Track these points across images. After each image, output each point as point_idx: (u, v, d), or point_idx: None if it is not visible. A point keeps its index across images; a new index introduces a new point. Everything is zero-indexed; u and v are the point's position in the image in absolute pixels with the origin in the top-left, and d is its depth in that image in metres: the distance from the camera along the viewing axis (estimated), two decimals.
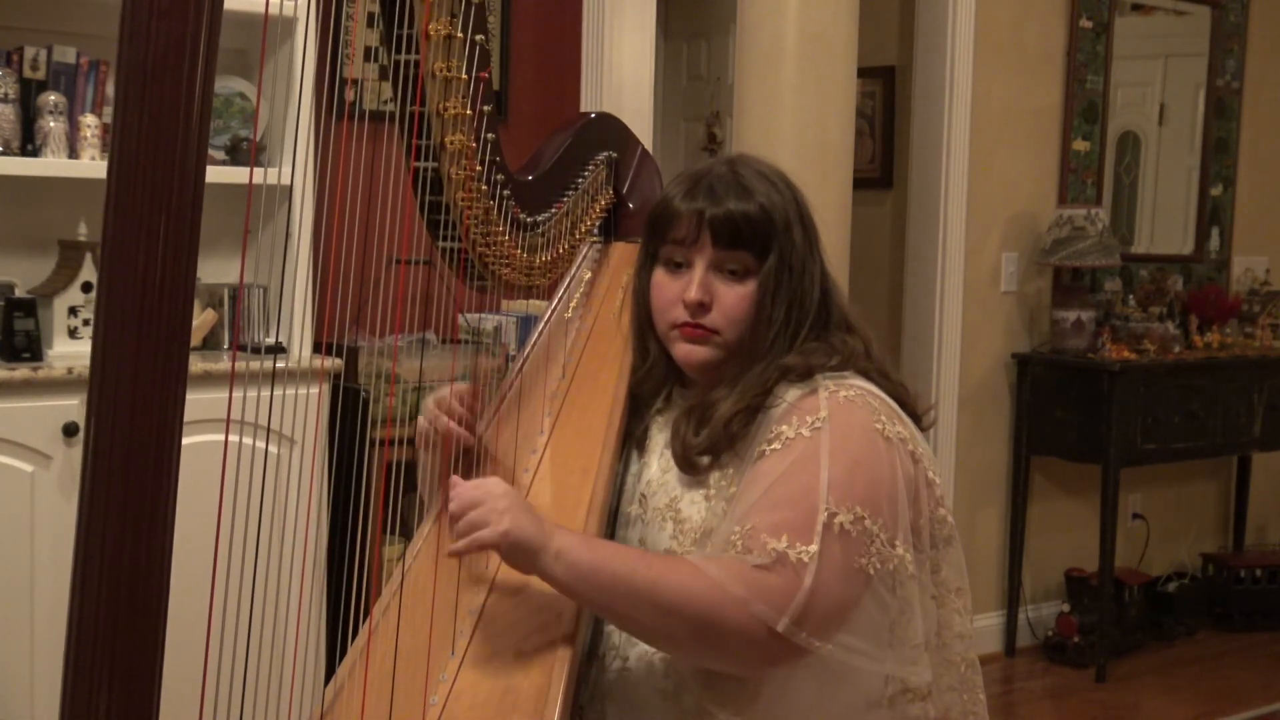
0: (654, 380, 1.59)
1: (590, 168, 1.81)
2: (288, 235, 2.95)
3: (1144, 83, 4.85)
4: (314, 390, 2.93)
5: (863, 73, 3.82)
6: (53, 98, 2.86)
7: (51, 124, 2.85)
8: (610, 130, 1.88)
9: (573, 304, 1.85)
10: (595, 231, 1.91)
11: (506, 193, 1.59)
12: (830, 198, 3.24)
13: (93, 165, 2.86)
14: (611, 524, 1.56)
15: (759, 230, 1.47)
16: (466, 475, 1.47)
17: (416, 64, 1.42)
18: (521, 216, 1.64)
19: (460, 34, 1.43)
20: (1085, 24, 4.51)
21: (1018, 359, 4.46)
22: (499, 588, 1.43)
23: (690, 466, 1.49)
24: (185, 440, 1.03)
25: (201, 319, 3.01)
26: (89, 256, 2.85)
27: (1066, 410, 4.30)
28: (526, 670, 1.35)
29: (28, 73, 2.89)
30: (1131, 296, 4.64)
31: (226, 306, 3.08)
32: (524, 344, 1.89)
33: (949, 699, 1.49)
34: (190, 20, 0.96)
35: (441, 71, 1.43)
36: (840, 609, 1.35)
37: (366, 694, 1.36)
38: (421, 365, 3.07)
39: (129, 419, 0.97)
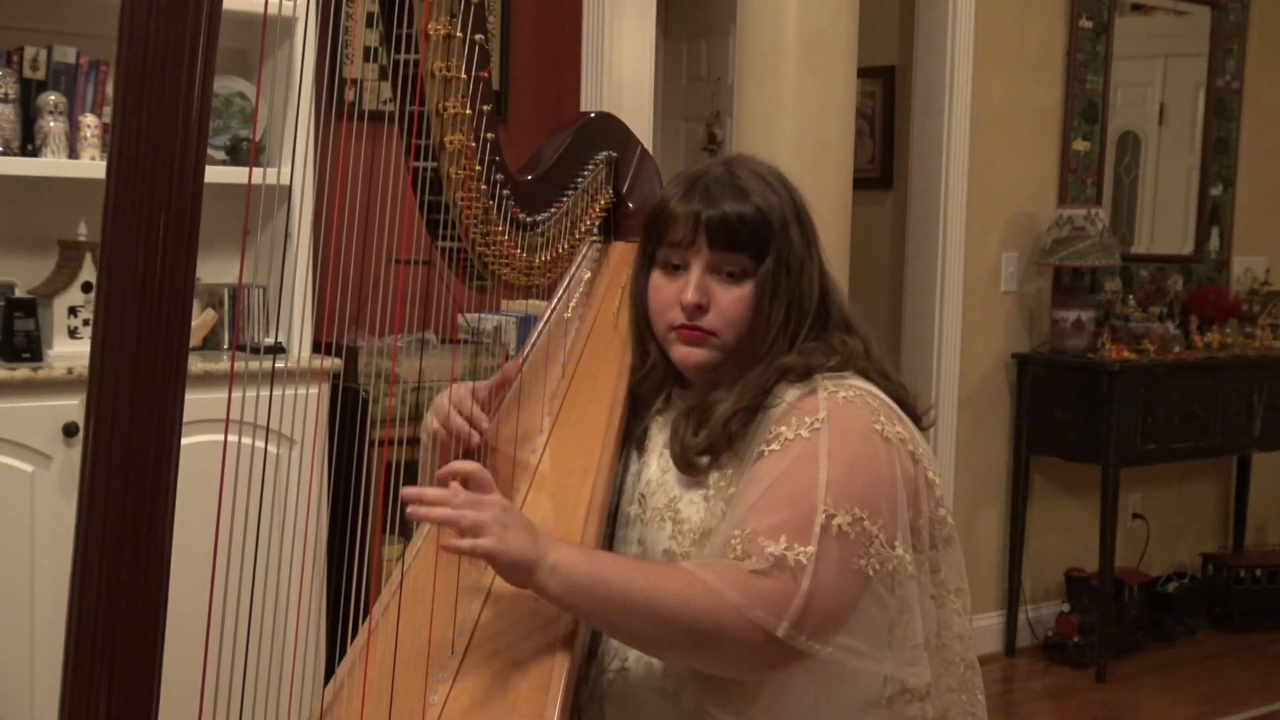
0: (653, 382, 1.59)
1: (590, 167, 1.81)
2: (287, 235, 2.95)
3: (1144, 83, 4.85)
4: (314, 390, 2.93)
5: (863, 73, 3.82)
6: (53, 98, 2.86)
7: (51, 124, 2.85)
8: (610, 130, 1.88)
9: (572, 304, 1.85)
10: (595, 231, 1.91)
11: (506, 192, 1.59)
12: (830, 198, 3.24)
13: (93, 165, 2.86)
14: (611, 524, 1.56)
15: (755, 232, 1.47)
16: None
17: (416, 64, 1.42)
18: (521, 216, 1.64)
19: (460, 33, 1.43)
20: (1085, 24, 4.51)
21: (1018, 359, 4.46)
22: (499, 588, 1.43)
23: (689, 467, 1.48)
24: (185, 440, 1.03)
25: (201, 319, 3.01)
26: (89, 256, 2.85)
27: (1066, 410, 4.30)
28: (526, 670, 1.35)
29: (28, 73, 2.89)
30: (1131, 296, 4.65)
31: (226, 306, 3.08)
32: (524, 344, 1.88)
33: (948, 699, 1.49)
34: (190, 20, 0.96)
35: (441, 71, 1.43)
36: (839, 611, 1.34)
37: (366, 694, 1.35)
38: (421, 365, 3.07)
39: (128, 419, 0.97)
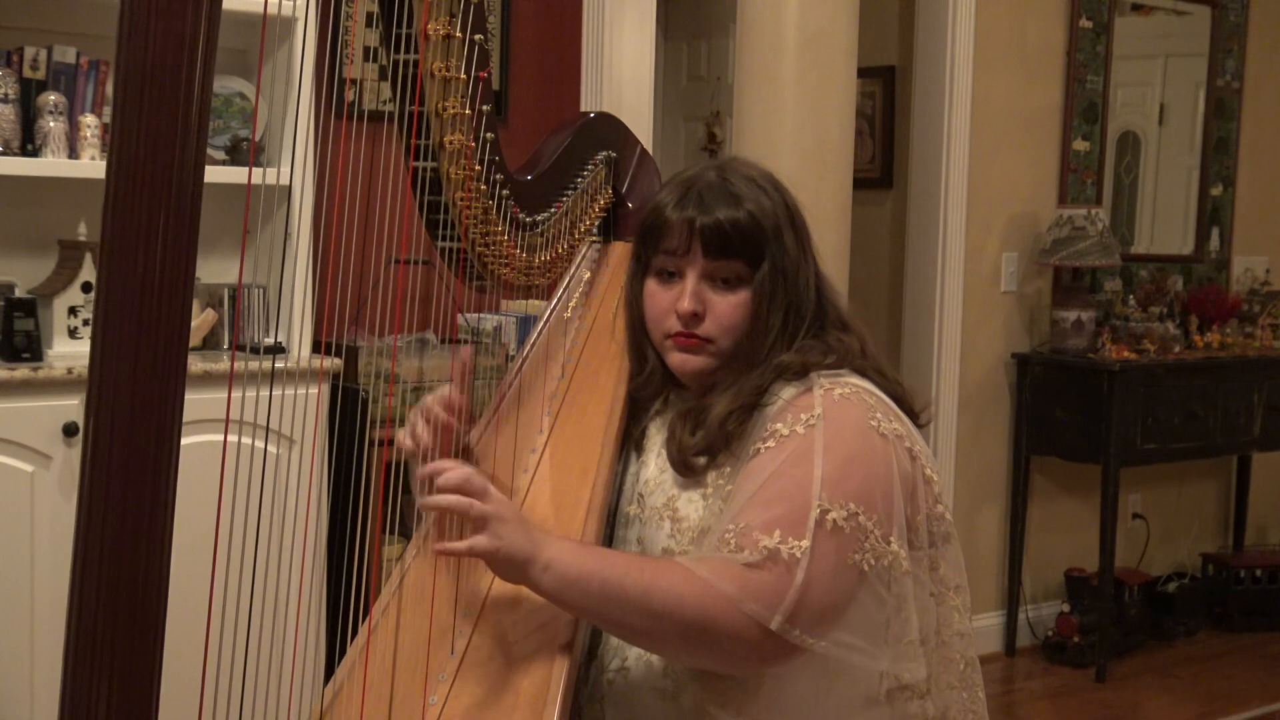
0: (652, 387, 1.59)
1: (589, 167, 1.81)
2: (287, 235, 2.95)
3: (1144, 83, 4.85)
4: (313, 390, 2.93)
5: (863, 73, 3.82)
6: (53, 98, 2.86)
7: (51, 124, 2.85)
8: (609, 130, 1.88)
9: (572, 304, 1.85)
10: (595, 231, 1.91)
11: (506, 192, 1.59)
12: (830, 198, 3.24)
13: (92, 165, 2.86)
14: (611, 524, 1.56)
15: (750, 238, 1.47)
16: None
17: (415, 64, 1.42)
18: (521, 216, 1.64)
19: (459, 33, 1.43)
20: (1085, 24, 4.51)
21: (1018, 359, 4.46)
22: (499, 587, 1.43)
23: (686, 469, 1.48)
24: (185, 440, 1.03)
25: (201, 319, 3.01)
26: (89, 256, 2.85)
27: (1066, 410, 4.30)
28: (526, 670, 1.35)
29: (28, 73, 2.89)
30: (1131, 296, 4.65)
31: (226, 306, 3.08)
32: (523, 344, 1.88)
33: (949, 696, 1.49)
34: (189, 20, 0.96)
35: (440, 71, 1.43)
36: (833, 606, 1.34)
37: (366, 694, 1.35)
38: (421, 365, 3.07)
39: (128, 419, 0.97)
